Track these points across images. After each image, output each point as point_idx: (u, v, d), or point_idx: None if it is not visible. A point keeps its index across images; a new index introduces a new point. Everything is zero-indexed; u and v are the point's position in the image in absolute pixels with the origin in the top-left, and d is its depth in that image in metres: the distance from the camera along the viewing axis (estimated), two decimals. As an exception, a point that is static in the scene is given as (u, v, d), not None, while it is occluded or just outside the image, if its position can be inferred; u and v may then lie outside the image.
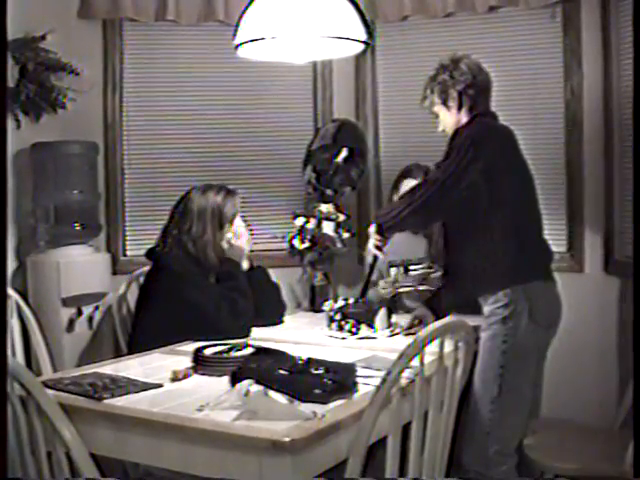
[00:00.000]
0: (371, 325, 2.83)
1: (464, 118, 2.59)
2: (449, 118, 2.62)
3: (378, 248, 2.76)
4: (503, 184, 2.47)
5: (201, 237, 2.83)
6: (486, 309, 2.51)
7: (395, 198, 3.34)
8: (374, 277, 3.42)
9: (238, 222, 2.93)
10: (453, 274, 2.67)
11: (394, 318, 2.91)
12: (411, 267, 3.16)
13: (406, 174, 3.32)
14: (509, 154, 2.54)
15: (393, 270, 3.18)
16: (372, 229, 2.74)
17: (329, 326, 2.88)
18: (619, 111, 3.38)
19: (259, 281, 3.00)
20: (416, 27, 3.75)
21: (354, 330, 2.81)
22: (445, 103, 2.60)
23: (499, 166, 2.47)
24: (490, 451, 2.44)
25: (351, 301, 2.93)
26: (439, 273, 3.07)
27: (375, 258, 2.93)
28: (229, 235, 2.86)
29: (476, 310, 2.57)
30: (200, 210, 2.84)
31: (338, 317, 2.85)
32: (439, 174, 2.51)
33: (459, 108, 2.58)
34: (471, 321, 2.19)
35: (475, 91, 2.58)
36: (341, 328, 2.83)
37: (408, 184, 3.27)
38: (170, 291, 2.73)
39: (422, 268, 3.16)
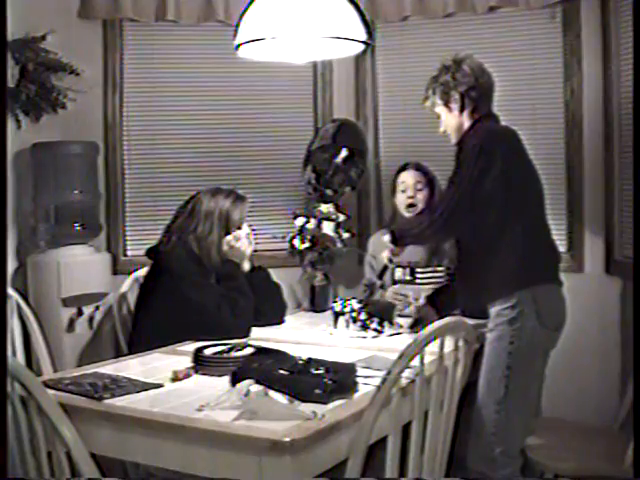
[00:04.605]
0: (391, 322, 2.81)
1: (466, 121, 2.57)
2: (451, 120, 2.59)
3: (391, 257, 2.74)
4: (517, 188, 2.44)
5: (206, 238, 2.83)
6: (493, 310, 2.48)
7: (394, 198, 3.34)
8: (379, 281, 3.42)
9: (245, 228, 2.93)
10: (466, 281, 2.63)
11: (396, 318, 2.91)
12: (418, 270, 3.14)
13: (402, 169, 3.33)
14: (518, 156, 2.51)
15: (399, 271, 3.17)
16: (386, 237, 2.71)
17: (347, 326, 2.83)
18: (619, 111, 3.38)
19: (260, 281, 3.00)
20: (416, 27, 3.75)
21: (380, 328, 2.78)
22: (447, 104, 2.58)
23: (512, 170, 2.44)
24: (495, 452, 2.42)
25: (355, 302, 2.90)
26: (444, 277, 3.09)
27: (386, 267, 2.93)
28: (229, 238, 2.86)
29: (483, 311, 2.55)
30: (208, 212, 2.85)
31: (363, 316, 2.81)
32: (454, 192, 2.46)
33: (461, 110, 2.56)
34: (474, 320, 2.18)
35: (477, 93, 2.55)
36: (366, 327, 2.80)
37: (405, 177, 3.28)
38: (170, 291, 2.73)
39: (429, 272, 3.14)
